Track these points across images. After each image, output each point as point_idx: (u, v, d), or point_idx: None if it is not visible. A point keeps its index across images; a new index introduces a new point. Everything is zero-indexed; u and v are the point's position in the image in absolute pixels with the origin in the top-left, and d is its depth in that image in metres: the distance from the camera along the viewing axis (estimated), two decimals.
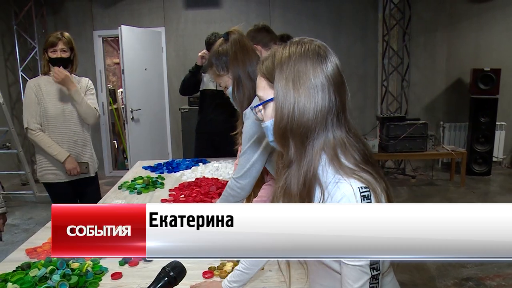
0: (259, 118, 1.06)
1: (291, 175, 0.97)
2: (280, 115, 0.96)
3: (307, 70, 0.94)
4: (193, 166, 3.17)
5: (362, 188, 0.90)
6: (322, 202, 0.94)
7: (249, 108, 1.66)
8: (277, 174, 1.11)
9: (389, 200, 0.95)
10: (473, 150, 5.86)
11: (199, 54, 3.49)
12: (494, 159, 6.03)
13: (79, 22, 6.38)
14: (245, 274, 1.35)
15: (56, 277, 1.44)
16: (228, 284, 1.36)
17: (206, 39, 3.48)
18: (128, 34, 5.38)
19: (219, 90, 3.58)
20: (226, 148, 3.60)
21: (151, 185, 2.67)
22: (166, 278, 1.02)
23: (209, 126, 3.69)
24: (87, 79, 3.02)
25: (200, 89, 3.68)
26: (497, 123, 5.89)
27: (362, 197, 0.90)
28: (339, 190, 0.92)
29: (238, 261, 1.55)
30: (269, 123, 1.01)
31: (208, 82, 3.62)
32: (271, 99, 0.99)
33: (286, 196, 0.99)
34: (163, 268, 1.04)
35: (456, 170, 5.72)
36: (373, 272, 0.92)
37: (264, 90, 1.02)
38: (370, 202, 0.90)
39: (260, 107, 1.04)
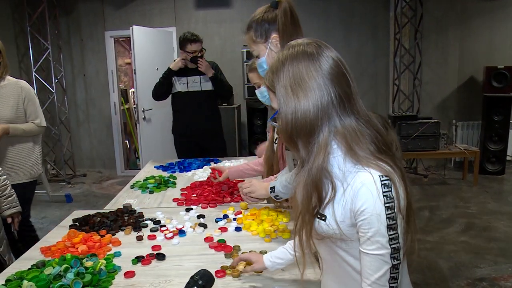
0: (278, 127, 1.08)
1: (301, 173, 0.99)
2: (285, 121, 0.98)
3: (300, 72, 0.96)
4: (204, 165, 3.18)
5: (382, 177, 0.91)
6: (334, 194, 0.95)
7: None
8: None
9: (406, 189, 0.95)
10: (486, 148, 5.80)
11: (178, 59, 3.59)
12: (508, 157, 5.95)
13: (91, 23, 6.45)
14: (289, 254, 1.35)
15: (70, 275, 1.45)
16: (269, 258, 1.40)
17: (180, 37, 3.56)
18: (139, 34, 5.41)
19: (191, 91, 3.62)
20: (211, 145, 3.68)
21: (163, 184, 2.69)
22: (195, 287, 1.03)
23: (185, 127, 3.72)
24: (23, 84, 2.83)
25: (172, 92, 3.71)
26: (511, 121, 5.80)
27: (382, 185, 0.90)
28: (359, 178, 0.92)
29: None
30: None
31: (178, 84, 3.64)
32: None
33: (297, 193, 1.02)
34: (192, 277, 1.05)
35: (469, 169, 5.67)
36: (394, 261, 0.92)
37: (273, 101, 1.05)
38: (390, 191, 0.90)
39: (273, 118, 1.07)
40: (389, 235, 0.90)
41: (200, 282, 1.03)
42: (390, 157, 0.97)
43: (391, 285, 0.93)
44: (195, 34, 3.51)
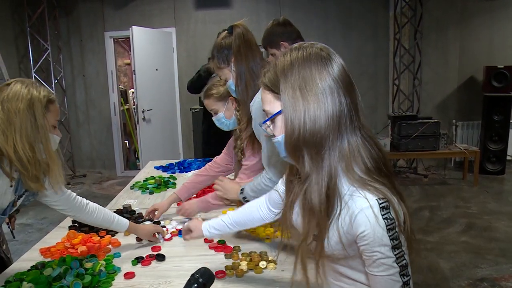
0: (268, 134, 1.01)
1: (310, 189, 0.93)
2: (291, 127, 0.91)
3: (312, 75, 0.90)
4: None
5: (380, 200, 0.88)
6: (340, 212, 0.92)
7: (253, 101, 1.66)
8: (287, 188, 1.08)
9: (403, 209, 0.91)
10: (486, 148, 5.79)
11: None
12: (508, 157, 5.94)
13: (91, 23, 6.45)
14: (227, 227, 1.42)
15: (70, 276, 1.45)
16: (207, 228, 1.44)
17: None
18: (139, 34, 5.41)
19: None
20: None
21: (163, 185, 2.68)
22: (195, 285, 1.02)
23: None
24: None
25: None
26: (511, 121, 5.79)
27: (381, 208, 0.87)
28: (355, 203, 0.89)
29: (251, 259, 1.56)
30: (280, 137, 0.96)
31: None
32: (279, 112, 0.95)
33: (306, 210, 0.96)
34: (192, 275, 1.04)
35: (469, 169, 5.65)
36: (404, 278, 0.90)
37: (270, 103, 0.97)
38: (389, 212, 0.88)
39: (268, 122, 0.98)
40: (395, 254, 0.88)
41: (200, 280, 1.02)
42: (389, 178, 0.94)
43: None
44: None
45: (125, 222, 1.78)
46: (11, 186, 1.43)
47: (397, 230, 0.88)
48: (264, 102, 0.99)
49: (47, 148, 1.42)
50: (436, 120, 5.42)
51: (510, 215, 4.36)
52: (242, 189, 1.76)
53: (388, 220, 0.87)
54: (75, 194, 1.67)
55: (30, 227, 4.50)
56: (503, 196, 5.07)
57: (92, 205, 1.72)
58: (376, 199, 0.88)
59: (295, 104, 0.90)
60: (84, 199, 1.70)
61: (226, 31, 1.77)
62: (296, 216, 1.04)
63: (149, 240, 1.83)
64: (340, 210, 0.91)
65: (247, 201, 1.74)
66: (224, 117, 2.07)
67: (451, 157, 6.25)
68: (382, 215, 0.87)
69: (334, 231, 0.93)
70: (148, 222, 2.05)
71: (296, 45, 0.97)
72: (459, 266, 3.33)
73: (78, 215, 1.68)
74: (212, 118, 2.13)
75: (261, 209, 1.38)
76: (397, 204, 0.90)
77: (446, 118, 6.22)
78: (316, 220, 0.93)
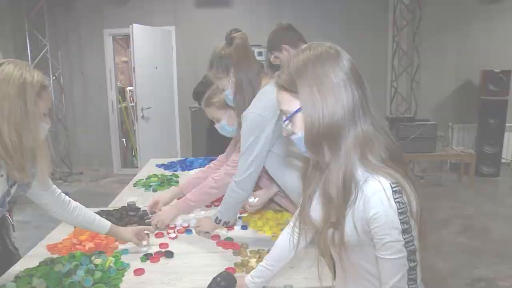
0: (288, 132, 1.04)
1: (329, 178, 0.98)
2: (310, 123, 0.96)
3: (326, 71, 0.95)
4: (206, 164, 3.17)
5: (392, 184, 0.91)
6: (356, 199, 0.95)
7: (246, 111, 1.71)
8: (304, 182, 1.12)
9: (417, 199, 0.94)
10: (482, 151, 5.84)
11: None
12: (502, 160, 6.01)
13: (90, 20, 6.42)
14: (268, 270, 1.34)
15: (80, 272, 1.46)
16: (251, 280, 1.34)
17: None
18: (139, 32, 5.41)
19: None
20: None
21: (165, 183, 2.69)
22: None
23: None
24: None
25: None
26: (506, 124, 5.87)
27: (393, 192, 0.90)
28: (369, 187, 0.93)
29: (260, 257, 1.57)
30: (300, 134, 1.00)
31: None
32: (298, 110, 0.99)
33: (326, 198, 1.00)
34: (214, 279, 1.04)
35: (465, 172, 5.71)
36: (411, 263, 0.93)
37: (288, 103, 1.01)
38: (401, 196, 0.91)
39: (287, 121, 1.03)
40: (404, 238, 0.91)
41: (222, 283, 1.02)
42: (402, 166, 0.97)
43: (410, 287, 0.95)
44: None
45: (106, 223, 1.71)
46: (2, 175, 1.37)
47: (408, 214, 0.91)
48: (281, 102, 1.03)
49: (35, 137, 1.32)
50: (433, 123, 5.46)
51: (505, 217, 4.41)
52: (216, 218, 1.85)
53: (400, 204, 0.90)
54: (59, 190, 1.62)
55: (27, 224, 4.48)
56: (498, 198, 5.13)
57: (74, 203, 1.66)
58: (390, 183, 0.92)
59: (313, 101, 0.95)
60: (67, 196, 1.65)
61: (225, 42, 1.79)
62: (314, 208, 1.07)
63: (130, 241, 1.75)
64: (356, 196, 0.95)
65: (220, 221, 1.83)
66: (227, 124, 2.08)
67: (447, 159, 6.30)
68: (395, 199, 0.90)
69: (349, 217, 0.97)
70: None
71: (305, 46, 1.03)
72: (457, 266, 3.37)
73: (60, 212, 1.62)
74: (215, 126, 2.14)
75: (293, 234, 1.26)
76: (409, 190, 0.93)
77: (443, 121, 6.26)
78: (335, 208, 0.97)
